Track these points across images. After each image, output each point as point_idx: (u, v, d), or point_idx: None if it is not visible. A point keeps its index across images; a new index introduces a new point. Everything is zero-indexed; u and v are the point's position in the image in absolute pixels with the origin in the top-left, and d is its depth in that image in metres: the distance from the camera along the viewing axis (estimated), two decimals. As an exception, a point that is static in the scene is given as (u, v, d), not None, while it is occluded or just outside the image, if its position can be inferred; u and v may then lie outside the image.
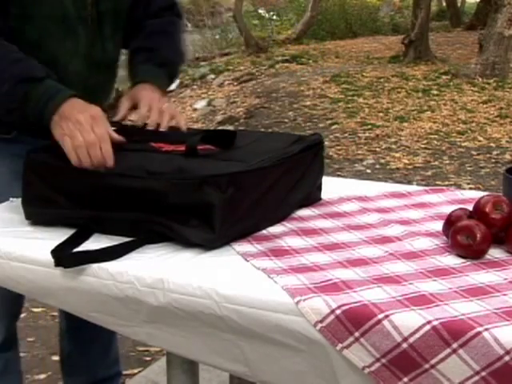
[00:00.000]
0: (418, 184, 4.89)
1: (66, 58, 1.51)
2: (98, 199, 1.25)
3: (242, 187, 1.22)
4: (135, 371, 2.56)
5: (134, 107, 1.50)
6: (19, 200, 1.36)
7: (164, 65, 1.62)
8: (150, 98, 1.50)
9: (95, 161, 1.25)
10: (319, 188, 1.48)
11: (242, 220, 1.23)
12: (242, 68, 10.25)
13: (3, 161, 1.53)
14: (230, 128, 5.95)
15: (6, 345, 1.67)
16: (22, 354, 1.79)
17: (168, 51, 1.66)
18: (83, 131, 1.26)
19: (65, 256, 1.16)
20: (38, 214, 1.34)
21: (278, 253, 1.16)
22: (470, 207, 1.23)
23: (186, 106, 8.47)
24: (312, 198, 1.45)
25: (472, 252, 1.13)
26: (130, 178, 1.23)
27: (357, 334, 0.93)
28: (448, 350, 0.88)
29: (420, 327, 0.90)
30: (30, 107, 1.35)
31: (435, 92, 8.07)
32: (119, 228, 1.25)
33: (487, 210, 1.18)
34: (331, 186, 1.55)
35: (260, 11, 15.78)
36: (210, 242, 1.19)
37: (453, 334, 0.88)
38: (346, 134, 6.47)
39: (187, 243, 1.20)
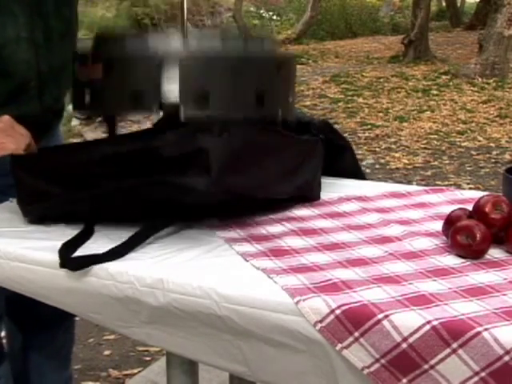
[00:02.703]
0: (417, 184, 4.89)
1: (12, 47, 1.47)
2: (90, 175, 1.24)
3: (237, 135, 1.21)
4: (135, 371, 2.56)
5: None
6: (19, 200, 1.36)
7: None
8: None
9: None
10: (319, 185, 1.48)
11: (241, 173, 1.21)
12: (241, 68, 10.23)
13: None
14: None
15: None
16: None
17: None
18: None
19: (70, 258, 1.15)
20: (36, 209, 1.33)
21: (278, 253, 1.16)
22: (470, 207, 1.23)
23: (185, 106, 8.45)
24: (313, 194, 1.46)
25: (472, 252, 1.13)
26: (122, 143, 1.25)
27: (356, 334, 0.93)
28: (448, 350, 0.88)
29: (420, 327, 0.90)
30: None
31: (435, 92, 8.08)
32: (118, 201, 1.24)
33: (487, 209, 1.18)
34: (331, 186, 1.55)
35: (260, 11, 15.77)
36: (207, 185, 1.16)
37: (452, 334, 0.88)
38: (346, 134, 6.47)
39: (187, 196, 1.18)
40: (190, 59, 1.21)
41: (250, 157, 1.24)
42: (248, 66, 1.26)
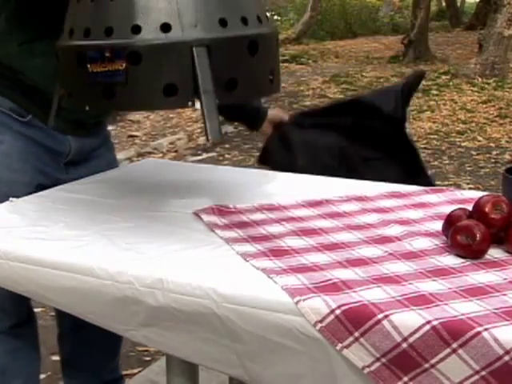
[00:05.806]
0: (417, 184, 4.88)
1: None
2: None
3: None
4: (135, 371, 2.56)
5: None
6: (19, 200, 1.37)
7: None
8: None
9: None
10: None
11: None
12: (241, 68, 10.22)
13: (16, 140, 1.58)
14: (230, 128, 5.95)
15: (24, 320, 1.69)
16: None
17: None
18: None
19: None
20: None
21: (278, 253, 1.16)
22: (470, 207, 1.23)
23: (185, 106, 8.45)
24: None
25: (471, 252, 1.13)
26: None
27: (356, 334, 0.93)
28: (448, 350, 0.88)
29: (420, 327, 0.90)
30: None
31: (435, 92, 8.07)
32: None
33: (487, 209, 1.18)
34: (330, 186, 1.55)
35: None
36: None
37: (452, 334, 0.88)
38: (346, 134, 6.47)
39: None
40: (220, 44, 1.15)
41: None
42: (263, 45, 1.20)
